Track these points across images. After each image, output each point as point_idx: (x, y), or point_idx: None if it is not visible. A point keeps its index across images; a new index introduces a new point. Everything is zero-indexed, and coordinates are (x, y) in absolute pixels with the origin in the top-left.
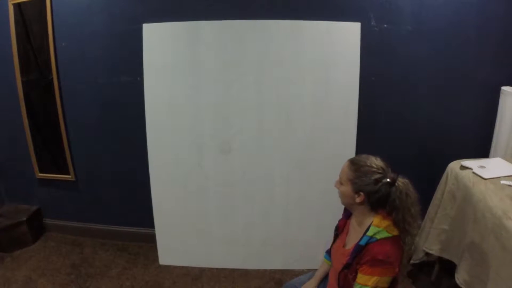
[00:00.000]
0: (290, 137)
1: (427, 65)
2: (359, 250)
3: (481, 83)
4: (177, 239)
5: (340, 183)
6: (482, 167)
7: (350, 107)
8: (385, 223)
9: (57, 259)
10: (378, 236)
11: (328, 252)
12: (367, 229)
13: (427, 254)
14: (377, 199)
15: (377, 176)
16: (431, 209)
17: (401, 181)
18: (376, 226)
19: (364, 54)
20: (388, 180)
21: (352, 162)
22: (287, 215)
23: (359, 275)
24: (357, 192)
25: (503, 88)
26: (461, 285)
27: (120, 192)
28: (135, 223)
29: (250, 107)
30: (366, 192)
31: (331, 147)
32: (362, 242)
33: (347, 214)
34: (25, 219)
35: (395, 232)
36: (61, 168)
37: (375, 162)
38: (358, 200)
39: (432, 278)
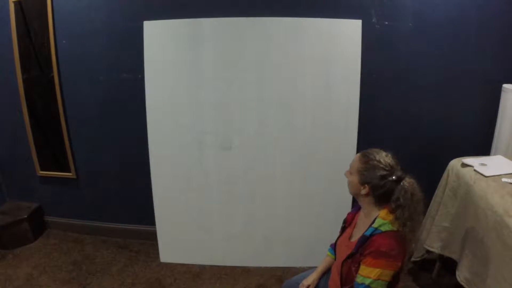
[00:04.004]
0: (291, 134)
1: (428, 62)
2: (364, 240)
3: (482, 80)
4: (178, 236)
5: (350, 172)
6: (483, 164)
7: (351, 105)
8: (391, 216)
9: (58, 256)
10: (383, 229)
11: (333, 246)
12: (373, 221)
13: (428, 251)
14: (381, 194)
15: (383, 172)
16: (432, 207)
17: (408, 181)
18: (382, 218)
19: (365, 51)
20: (393, 178)
21: (363, 154)
22: (288, 213)
23: (362, 267)
24: (363, 184)
25: (505, 85)
26: (462, 283)
27: (121, 189)
28: (136, 220)
29: (251, 104)
30: (371, 186)
31: (332, 144)
32: (367, 233)
33: (358, 208)
34: (26, 216)
35: (400, 227)
36: (62, 165)
37: (385, 158)
38: (363, 192)
39: (433, 276)
